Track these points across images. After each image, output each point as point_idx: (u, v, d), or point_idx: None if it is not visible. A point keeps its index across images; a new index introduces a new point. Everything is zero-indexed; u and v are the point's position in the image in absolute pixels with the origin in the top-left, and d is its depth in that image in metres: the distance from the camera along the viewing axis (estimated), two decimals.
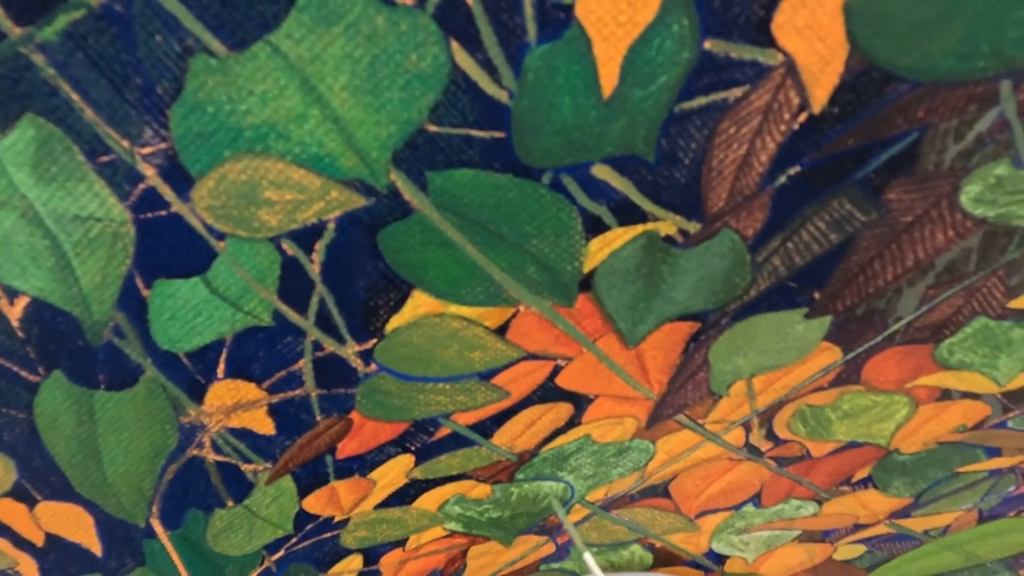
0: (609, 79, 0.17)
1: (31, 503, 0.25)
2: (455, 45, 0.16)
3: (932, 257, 0.21)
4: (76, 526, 0.26)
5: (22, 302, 0.20)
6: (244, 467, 0.25)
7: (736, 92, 0.17)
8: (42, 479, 0.24)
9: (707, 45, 0.16)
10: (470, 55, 0.16)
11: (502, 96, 0.17)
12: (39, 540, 0.26)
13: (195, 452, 0.24)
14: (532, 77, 0.17)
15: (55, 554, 0.27)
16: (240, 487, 0.25)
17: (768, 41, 0.16)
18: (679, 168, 0.18)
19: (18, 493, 0.24)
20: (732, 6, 0.16)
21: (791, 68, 0.17)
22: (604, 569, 0.25)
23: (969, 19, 0.16)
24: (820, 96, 0.17)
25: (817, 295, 0.21)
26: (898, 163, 0.19)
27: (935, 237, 0.21)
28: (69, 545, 0.26)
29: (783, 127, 0.18)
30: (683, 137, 0.18)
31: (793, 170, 0.19)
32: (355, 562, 0.29)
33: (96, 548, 0.27)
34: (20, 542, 0.26)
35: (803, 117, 0.18)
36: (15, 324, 0.20)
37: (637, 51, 0.16)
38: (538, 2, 0.15)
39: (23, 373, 0.21)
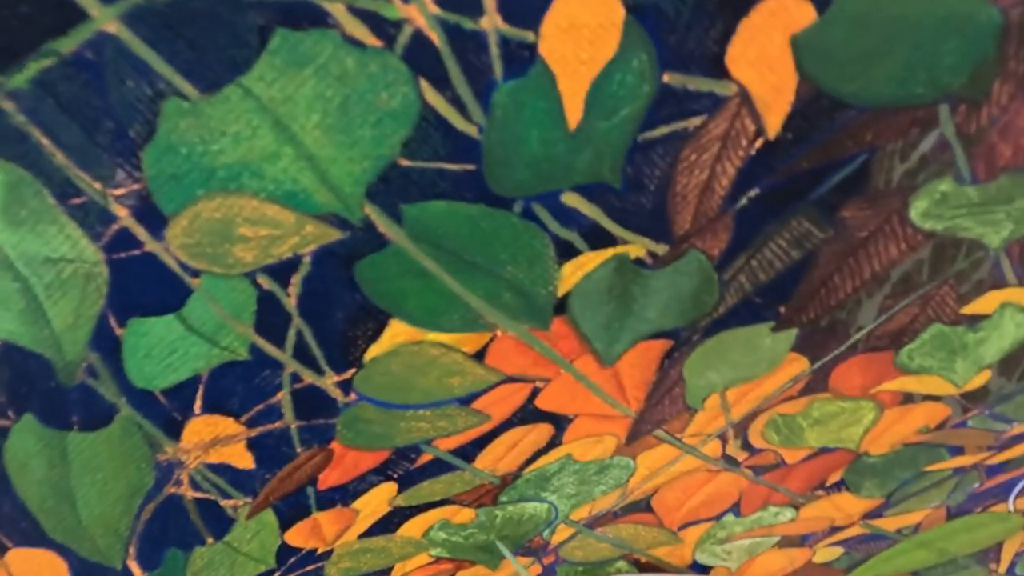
0: (574, 112, 0.17)
1: (0, 551, 0.24)
2: (424, 83, 0.17)
3: (887, 269, 0.22)
4: (49, 574, 0.25)
5: None
6: (224, 503, 0.24)
7: (695, 121, 0.18)
8: (12, 525, 0.24)
9: (666, 78, 0.17)
10: (439, 93, 0.17)
11: (472, 131, 0.17)
12: None
13: (173, 490, 0.24)
14: (500, 112, 0.17)
15: None
16: (220, 523, 0.25)
17: (723, 73, 0.17)
18: (645, 194, 0.19)
19: None
20: (687, 42, 0.16)
21: (745, 98, 0.18)
22: None
23: (906, 49, 0.17)
24: (774, 123, 0.18)
25: (782, 309, 0.22)
26: (851, 183, 0.20)
27: (889, 250, 0.22)
28: None
29: (741, 153, 0.19)
30: (647, 165, 0.19)
31: (753, 192, 0.20)
32: None
33: None
34: None
35: (759, 143, 0.19)
36: None
37: (600, 86, 0.17)
38: (503, 41, 0.16)
39: None
